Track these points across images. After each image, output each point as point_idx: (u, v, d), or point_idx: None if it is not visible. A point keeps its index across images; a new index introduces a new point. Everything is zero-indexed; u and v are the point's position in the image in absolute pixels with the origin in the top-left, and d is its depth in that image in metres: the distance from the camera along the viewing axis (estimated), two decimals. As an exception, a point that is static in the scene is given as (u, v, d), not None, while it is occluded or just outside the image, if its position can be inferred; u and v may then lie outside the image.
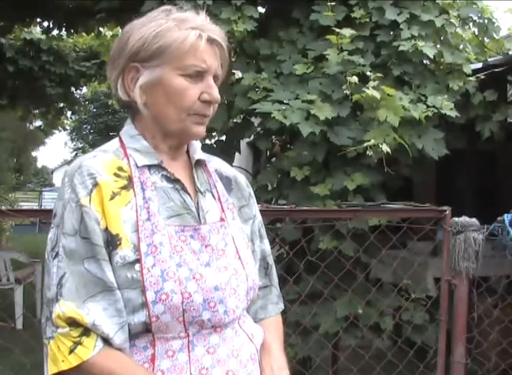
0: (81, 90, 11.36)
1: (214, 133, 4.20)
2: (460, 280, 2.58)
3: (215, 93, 1.11)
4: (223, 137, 4.07)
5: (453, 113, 3.53)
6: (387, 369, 2.79)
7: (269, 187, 3.71)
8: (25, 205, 15.34)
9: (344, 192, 3.40)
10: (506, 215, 2.89)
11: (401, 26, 3.69)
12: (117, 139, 1.15)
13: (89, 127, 24.24)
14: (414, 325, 3.12)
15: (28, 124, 12.92)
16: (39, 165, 34.85)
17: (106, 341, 0.99)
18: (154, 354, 1.03)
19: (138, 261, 1.02)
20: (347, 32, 3.50)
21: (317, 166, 3.49)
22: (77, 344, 0.98)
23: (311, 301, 3.03)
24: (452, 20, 3.81)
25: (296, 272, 2.84)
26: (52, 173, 42.28)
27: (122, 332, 1.00)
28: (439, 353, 2.66)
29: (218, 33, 1.12)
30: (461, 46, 3.96)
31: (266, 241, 1.30)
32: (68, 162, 36.52)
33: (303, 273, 2.88)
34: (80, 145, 26.06)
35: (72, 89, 9.12)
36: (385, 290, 3.43)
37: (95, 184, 1.03)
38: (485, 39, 4.26)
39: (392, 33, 3.77)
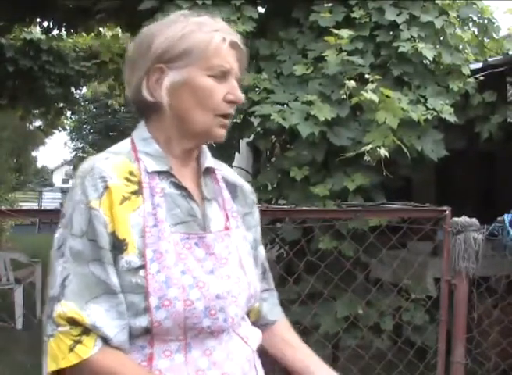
0: (81, 90, 11.38)
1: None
2: (460, 280, 2.58)
3: (240, 93, 1.13)
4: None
5: (452, 118, 3.54)
6: (387, 369, 2.79)
7: (269, 187, 3.72)
8: (25, 205, 15.31)
9: (344, 192, 3.40)
10: (506, 215, 2.90)
11: (401, 27, 3.69)
12: (129, 141, 1.15)
13: (89, 127, 24.22)
14: (414, 325, 3.12)
15: (28, 124, 12.92)
16: (39, 165, 34.82)
17: (106, 340, 1.00)
18: (152, 353, 1.03)
19: (143, 267, 1.02)
20: (345, 33, 3.51)
21: (317, 166, 3.50)
22: (77, 342, 0.98)
23: (311, 301, 3.03)
24: (451, 21, 3.82)
25: (296, 272, 2.84)
26: (52, 173, 42.28)
27: (123, 334, 1.01)
28: (439, 353, 2.66)
29: (238, 37, 1.14)
30: (460, 47, 3.96)
31: (262, 246, 1.32)
32: (68, 162, 36.48)
33: (303, 273, 2.88)
34: (80, 145, 26.02)
35: (72, 89, 9.10)
36: (385, 290, 3.43)
37: (106, 188, 1.04)
38: (485, 39, 4.26)
39: (391, 33, 3.78)
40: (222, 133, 1.13)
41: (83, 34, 7.43)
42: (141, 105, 1.14)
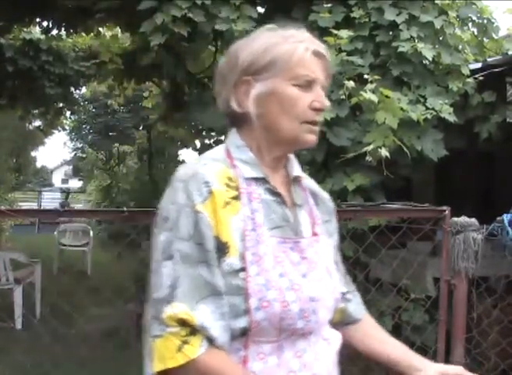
0: (80, 90, 11.36)
1: (213, 133, 4.20)
2: (459, 280, 2.58)
3: (325, 100, 1.16)
4: (222, 137, 4.07)
5: (452, 118, 3.54)
6: (387, 369, 2.79)
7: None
8: (24, 205, 15.31)
9: (344, 192, 3.40)
10: (505, 215, 2.90)
11: (400, 27, 3.69)
12: (223, 148, 1.20)
13: (88, 127, 24.16)
14: (414, 325, 3.12)
15: (27, 124, 12.92)
16: (38, 165, 34.83)
17: (210, 341, 1.03)
18: (247, 356, 1.06)
19: (243, 269, 1.06)
20: (345, 33, 3.51)
21: (316, 166, 3.50)
22: (185, 343, 1.01)
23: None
24: (451, 21, 3.82)
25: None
26: (52, 173, 42.24)
27: (226, 335, 1.04)
28: (439, 353, 2.66)
29: (322, 47, 1.18)
30: (460, 47, 3.96)
31: (339, 252, 1.37)
32: (67, 162, 36.42)
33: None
34: (80, 145, 25.94)
35: (72, 89, 9.10)
36: (385, 290, 3.43)
37: (210, 192, 1.08)
38: (485, 39, 4.26)
39: (391, 33, 3.78)
40: (311, 138, 1.17)
41: (83, 34, 7.43)
42: (231, 116, 1.20)
